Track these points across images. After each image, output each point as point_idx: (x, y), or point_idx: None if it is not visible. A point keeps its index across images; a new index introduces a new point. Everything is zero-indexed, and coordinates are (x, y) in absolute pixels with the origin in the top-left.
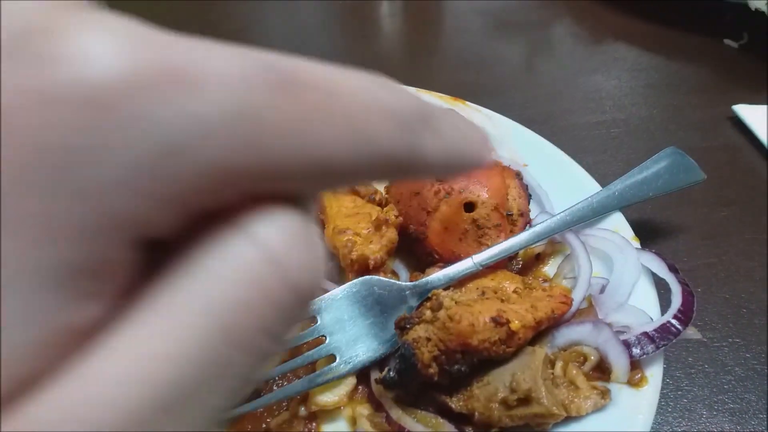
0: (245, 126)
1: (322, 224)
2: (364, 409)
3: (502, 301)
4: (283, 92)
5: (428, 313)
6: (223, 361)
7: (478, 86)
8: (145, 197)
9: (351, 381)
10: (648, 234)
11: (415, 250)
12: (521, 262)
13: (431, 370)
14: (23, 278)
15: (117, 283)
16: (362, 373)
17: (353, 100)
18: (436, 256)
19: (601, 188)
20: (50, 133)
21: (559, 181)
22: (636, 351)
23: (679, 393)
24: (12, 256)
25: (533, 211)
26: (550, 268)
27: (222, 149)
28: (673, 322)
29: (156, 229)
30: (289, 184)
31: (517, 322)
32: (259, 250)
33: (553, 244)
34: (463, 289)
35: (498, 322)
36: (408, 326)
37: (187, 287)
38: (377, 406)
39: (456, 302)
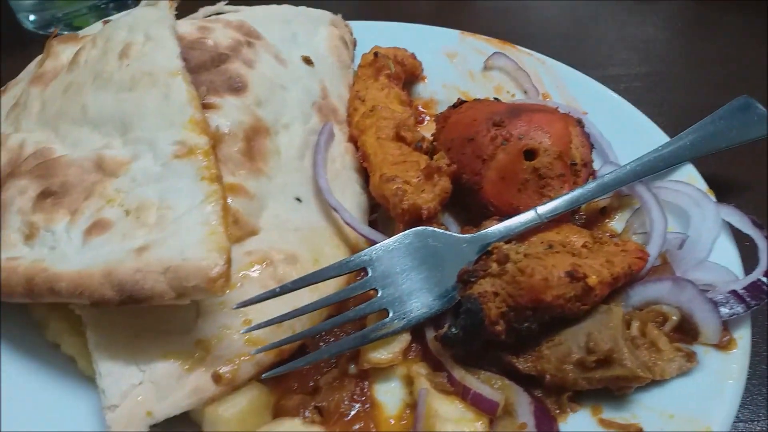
0: None
1: (366, 173)
2: (421, 368)
3: (573, 255)
4: None
5: (494, 266)
6: None
7: (521, 32)
8: None
9: (405, 338)
10: (714, 189)
11: (467, 202)
12: (585, 217)
13: (498, 328)
14: None
15: None
16: (414, 330)
17: None
18: (492, 209)
19: (669, 139)
20: None
21: (622, 131)
22: (724, 311)
23: (757, 359)
24: None
25: (595, 163)
26: (616, 223)
27: None
28: (765, 280)
29: None
30: None
31: (594, 277)
32: None
33: (619, 197)
34: (526, 243)
35: (574, 276)
36: (472, 279)
37: None
38: (435, 365)
39: (525, 255)
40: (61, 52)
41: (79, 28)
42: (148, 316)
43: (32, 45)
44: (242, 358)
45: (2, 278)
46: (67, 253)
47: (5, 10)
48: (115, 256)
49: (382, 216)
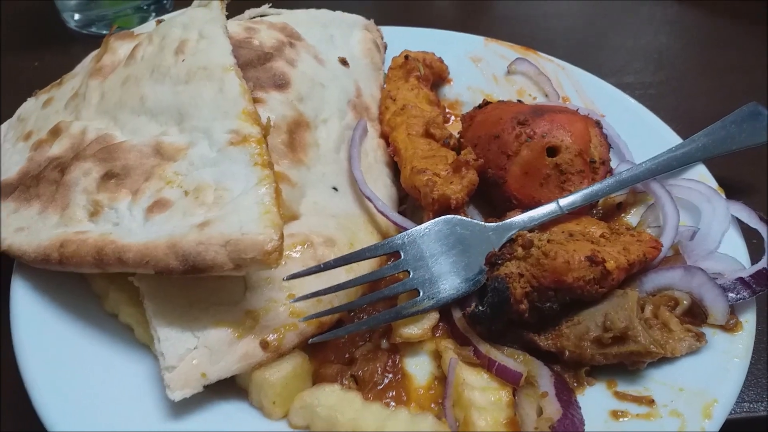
0: None
1: (395, 167)
2: (448, 344)
3: (592, 242)
4: None
5: (520, 250)
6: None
7: (542, 39)
8: None
9: (434, 316)
10: (723, 188)
11: (492, 195)
12: (601, 211)
13: (522, 306)
14: None
15: None
16: (442, 310)
17: None
18: (515, 202)
19: (682, 140)
20: None
21: (638, 133)
22: (731, 296)
23: (761, 346)
24: None
25: (612, 162)
26: (632, 218)
27: None
28: None
29: None
30: None
31: (612, 262)
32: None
33: (635, 193)
34: (548, 232)
35: (593, 261)
36: (499, 262)
37: None
38: (461, 341)
39: (548, 241)
40: (118, 47)
41: (121, 28)
42: (201, 290)
43: (73, 42)
44: (287, 328)
45: (73, 249)
46: (131, 228)
47: (49, 8)
48: (179, 231)
49: (410, 207)
